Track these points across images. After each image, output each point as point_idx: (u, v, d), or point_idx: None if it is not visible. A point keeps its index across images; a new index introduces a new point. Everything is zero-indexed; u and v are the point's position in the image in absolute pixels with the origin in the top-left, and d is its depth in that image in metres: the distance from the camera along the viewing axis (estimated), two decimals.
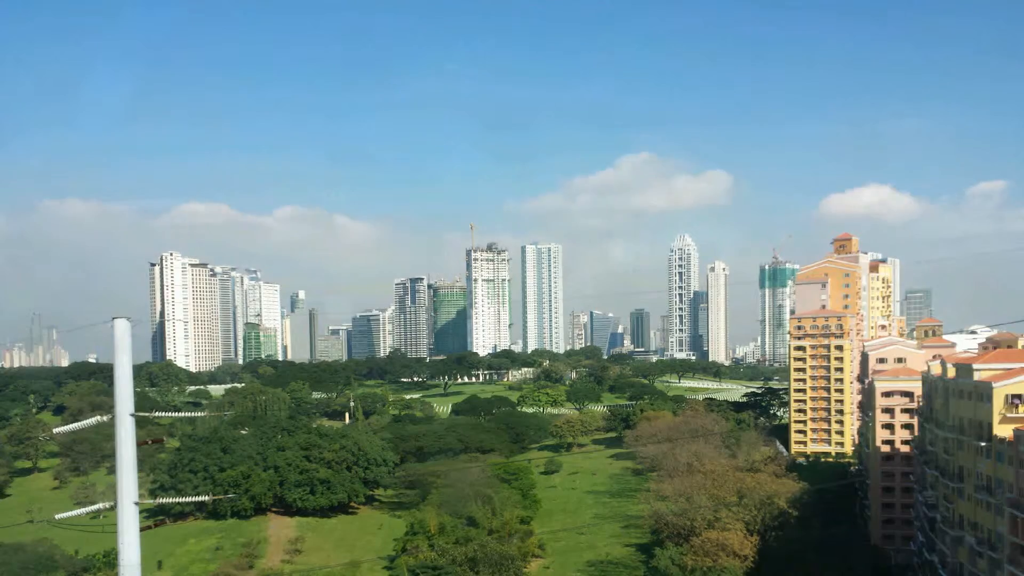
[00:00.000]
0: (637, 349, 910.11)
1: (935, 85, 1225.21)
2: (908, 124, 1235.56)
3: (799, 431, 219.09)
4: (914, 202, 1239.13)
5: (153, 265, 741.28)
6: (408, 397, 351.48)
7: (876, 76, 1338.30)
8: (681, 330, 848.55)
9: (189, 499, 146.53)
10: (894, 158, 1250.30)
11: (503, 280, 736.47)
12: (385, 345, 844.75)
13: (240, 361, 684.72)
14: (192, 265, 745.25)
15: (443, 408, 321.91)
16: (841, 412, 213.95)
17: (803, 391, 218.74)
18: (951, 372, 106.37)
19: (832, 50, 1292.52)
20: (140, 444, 19.39)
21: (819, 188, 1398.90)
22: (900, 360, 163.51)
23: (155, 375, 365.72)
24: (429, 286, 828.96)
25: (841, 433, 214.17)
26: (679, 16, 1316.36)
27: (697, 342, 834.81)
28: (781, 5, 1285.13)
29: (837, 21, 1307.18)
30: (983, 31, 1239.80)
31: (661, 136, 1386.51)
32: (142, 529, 19.30)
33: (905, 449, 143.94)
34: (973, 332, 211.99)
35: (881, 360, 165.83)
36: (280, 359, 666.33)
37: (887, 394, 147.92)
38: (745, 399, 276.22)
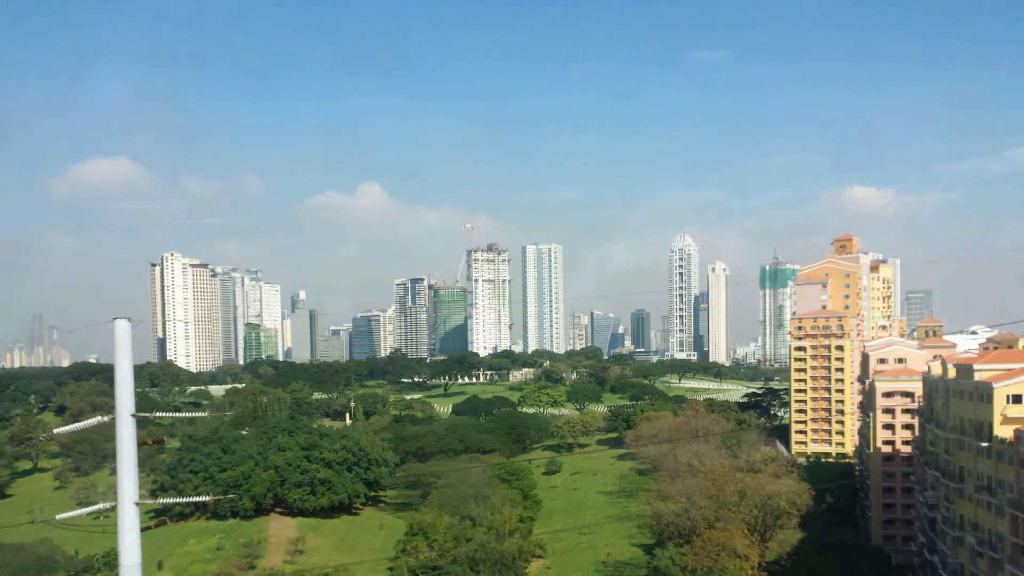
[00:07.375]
0: (638, 349, 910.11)
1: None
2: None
3: (800, 431, 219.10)
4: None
5: (154, 266, 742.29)
6: (409, 398, 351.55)
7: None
8: (682, 330, 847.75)
9: (190, 499, 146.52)
10: None
11: (503, 280, 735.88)
12: (386, 345, 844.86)
13: (241, 361, 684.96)
14: (193, 266, 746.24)
15: (444, 409, 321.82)
16: (842, 412, 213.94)
17: (804, 391, 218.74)
18: (952, 372, 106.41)
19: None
20: (141, 444, 19.42)
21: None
22: (901, 360, 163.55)
23: (156, 375, 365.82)
24: (430, 286, 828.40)
25: (842, 433, 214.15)
26: None
27: (698, 342, 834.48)
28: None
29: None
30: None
31: None
32: (143, 529, 19.33)
33: (906, 449, 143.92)
34: (974, 332, 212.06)
35: (882, 360, 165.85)
36: (281, 359, 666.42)
37: (888, 394, 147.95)
38: (746, 399, 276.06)
